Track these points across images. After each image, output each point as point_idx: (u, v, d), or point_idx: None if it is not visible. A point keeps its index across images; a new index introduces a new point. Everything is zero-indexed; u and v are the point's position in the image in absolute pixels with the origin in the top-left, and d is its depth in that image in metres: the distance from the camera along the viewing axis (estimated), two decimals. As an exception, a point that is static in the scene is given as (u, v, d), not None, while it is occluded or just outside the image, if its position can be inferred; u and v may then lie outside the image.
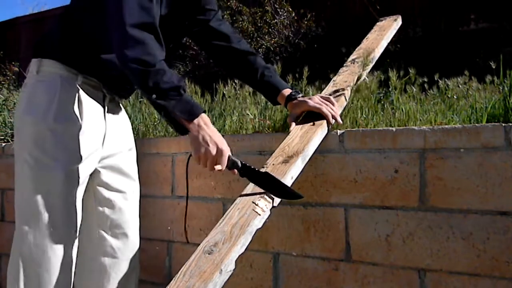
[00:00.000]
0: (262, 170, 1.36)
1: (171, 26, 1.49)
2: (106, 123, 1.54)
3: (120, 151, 1.61)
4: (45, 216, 1.41)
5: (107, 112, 1.54)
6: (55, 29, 1.50)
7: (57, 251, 1.42)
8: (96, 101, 1.50)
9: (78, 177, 1.44)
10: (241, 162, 1.36)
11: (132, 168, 1.65)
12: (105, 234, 1.58)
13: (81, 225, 1.52)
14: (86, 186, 1.52)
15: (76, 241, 1.48)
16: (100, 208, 1.57)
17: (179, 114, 1.31)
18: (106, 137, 1.54)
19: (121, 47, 1.29)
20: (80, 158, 1.44)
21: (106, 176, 1.57)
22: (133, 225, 1.63)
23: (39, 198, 1.41)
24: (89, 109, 1.47)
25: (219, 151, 1.32)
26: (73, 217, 1.45)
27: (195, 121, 1.32)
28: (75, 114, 1.44)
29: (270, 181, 1.32)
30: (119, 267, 1.59)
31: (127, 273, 1.61)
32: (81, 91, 1.46)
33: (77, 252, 1.53)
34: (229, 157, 1.34)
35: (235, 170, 1.36)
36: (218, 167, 1.33)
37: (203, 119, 1.33)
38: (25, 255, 1.43)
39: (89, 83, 1.48)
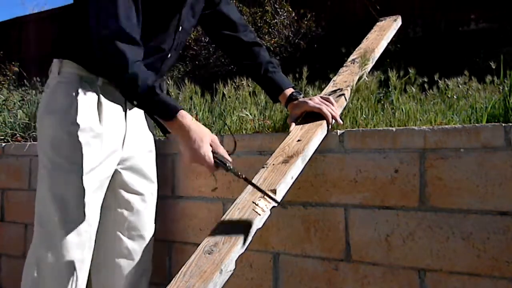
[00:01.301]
0: (262, 169, 1.36)
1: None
2: (126, 124, 1.53)
3: (141, 152, 1.61)
4: (61, 219, 1.40)
5: (129, 113, 1.54)
6: (71, 30, 1.48)
7: (72, 255, 1.42)
8: (117, 102, 1.50)
9: (96, 180, 1.43)
10: (225, 165, 1.33)
11: (151, 170, 1.65)
12: (121, 236, 1.58)
13: (98, 226, 1.51)
14: (108, 187, 1.51)
15: (92, 245, 1.47)
16: (119, 210, 1.57)
17: (157, 117, 1.32)
18: (126, 138, 1.53)
19: (99, 57, 1.33)
20: (97, 161, 1.43)
21: (127, 177, 1.57)
22: (149, 227, 1.63)
23: (55, 201, 1.40)
24: (109, 110, 1.47)
25: (199, 155, 1.31)
26: (90, 221, 1.44)
27: (173, 122, 1.32)
28: (94, 117, 1.43)
29: (253, 185, 1.31)
30: (134, 269, 1.60)
31: (140, 275, 1.61)
32: (101, 93, 1.45)
33: (93, 252, 1.52)
34: (215, 157, 1.32)
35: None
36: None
37: (180, 119, 1.32)
38: (41, 258, 1.42)
39: (110, 84, 1.46)
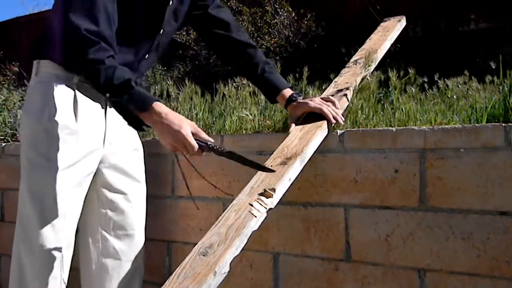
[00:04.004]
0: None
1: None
2: (106, 122, 1.53)
3: (124, 151, 1.60)
4: (39, 217, 1.41)
5: (109, 110, 1.54)
6: (49, 30, 1.50)
7: (50, 253, 1.42)
8: (96, 100, 1.50)
9: (74, 177, 1.44)
10: (207, 144, 1.33)
11: (136, 169, 1.64)
12: (107, 236, 1.58)
13: (83, 226, 1.52)
14: (90, 187, 1.51)
15: (72, 243, 1.48)
16: (103, 210, 1.57)
17: (132, 108, 1.29)
18: (107, 136, 1.54)
19: (73, 50, 1.33)
20: (75, 158, 1.43)
21: (109, 176, 1.56)
22: (137, 227, 1.62)
23: (33, 200, 1.42)
24: (86, 108, 1.47)
25: (181, 136, 1.29)
26: (67, 218, 1.44)
27: (148, 113, 1.29)
28: (70, 114, 1.44)
29: (239, 158, 1.34)
30: (122, 269, 1.59)
31: (130, 274, 1.60)
32: (77, 91, 1.46)
33: (80, 253, 1.54)
34: (196, 139, 1.31)
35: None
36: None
37: (157, 108, 1.29)
38: (22, 256, 1.44)
39: (87, 81, 1.47)
